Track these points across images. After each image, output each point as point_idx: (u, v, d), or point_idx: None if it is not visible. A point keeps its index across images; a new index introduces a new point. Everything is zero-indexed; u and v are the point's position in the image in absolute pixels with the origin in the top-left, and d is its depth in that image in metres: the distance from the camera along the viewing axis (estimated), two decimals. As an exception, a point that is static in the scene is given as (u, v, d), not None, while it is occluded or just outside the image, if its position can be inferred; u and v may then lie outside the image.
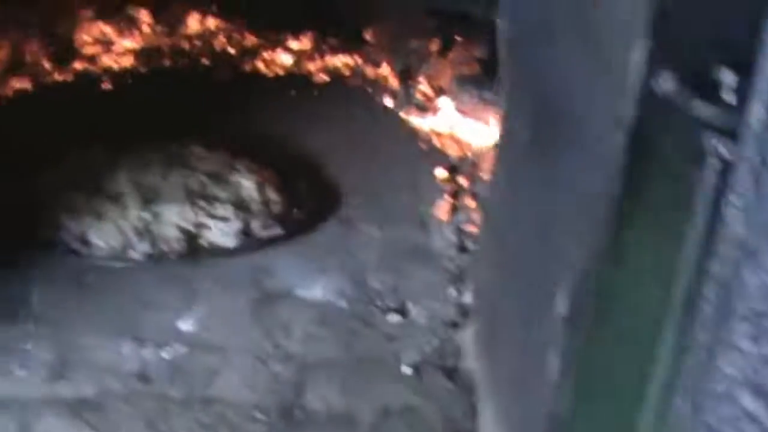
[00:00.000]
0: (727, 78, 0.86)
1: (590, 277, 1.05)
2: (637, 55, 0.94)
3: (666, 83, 0.91)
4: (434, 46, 3.06)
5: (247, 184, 2.22)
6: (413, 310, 1.89)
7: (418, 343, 1.79)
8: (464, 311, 1.86)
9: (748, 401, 0.84)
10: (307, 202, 2.29)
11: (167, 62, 3.25)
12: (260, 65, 3.19)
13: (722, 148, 0.85)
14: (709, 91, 0.88)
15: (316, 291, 1.95)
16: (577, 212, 1.12)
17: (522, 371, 1.37)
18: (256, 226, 2.14)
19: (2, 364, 1.71)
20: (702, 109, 0.87)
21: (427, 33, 3.14)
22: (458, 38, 3.02)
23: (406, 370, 1.72)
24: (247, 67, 3.18)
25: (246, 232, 2.12)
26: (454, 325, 1.84)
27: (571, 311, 1.10)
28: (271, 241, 2.13)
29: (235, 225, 2.11)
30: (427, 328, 1.83)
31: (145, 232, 2.07)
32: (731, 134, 0.84)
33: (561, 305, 1.13)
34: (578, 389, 1.14)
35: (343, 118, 2.78)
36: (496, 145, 1.85)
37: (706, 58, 0.90)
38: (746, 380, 0.84)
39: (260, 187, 2.23)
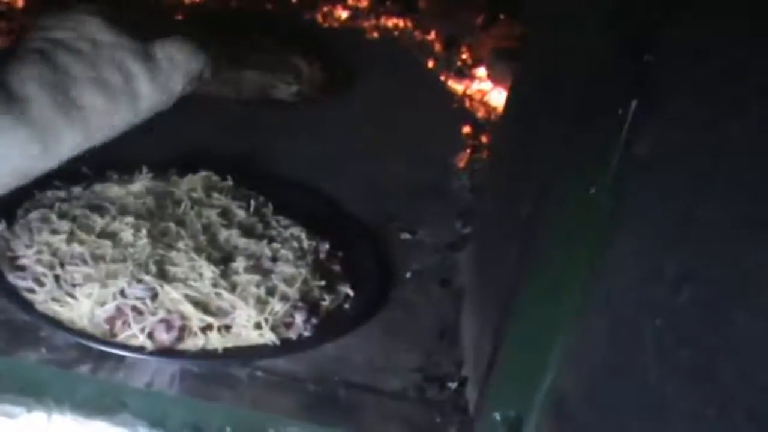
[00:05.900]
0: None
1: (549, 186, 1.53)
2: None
3: None
4: (479, 19, 3.53)
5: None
6: (422, 232, 2.37)
7: (422, 257, 2.27)
8: (465, 238, 2.34)
9: None
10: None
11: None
12: (319, 17, 3.67)
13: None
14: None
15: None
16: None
17: (492, 275, 1.85)
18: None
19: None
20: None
21: (475, 7, 3.61)
22: (502, 16, 3.49)
23: (408, 275, 2.21)
24: (307, 16, 3.66)
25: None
26: (453, 246, 2.32)
27: (532, 213, 1.58)
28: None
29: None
30: (430, 247, 2.32)
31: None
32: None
33: (524, 209, 1.62)
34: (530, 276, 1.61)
35: (389, 73, 3.26)
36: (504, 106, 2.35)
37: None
38: None
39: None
